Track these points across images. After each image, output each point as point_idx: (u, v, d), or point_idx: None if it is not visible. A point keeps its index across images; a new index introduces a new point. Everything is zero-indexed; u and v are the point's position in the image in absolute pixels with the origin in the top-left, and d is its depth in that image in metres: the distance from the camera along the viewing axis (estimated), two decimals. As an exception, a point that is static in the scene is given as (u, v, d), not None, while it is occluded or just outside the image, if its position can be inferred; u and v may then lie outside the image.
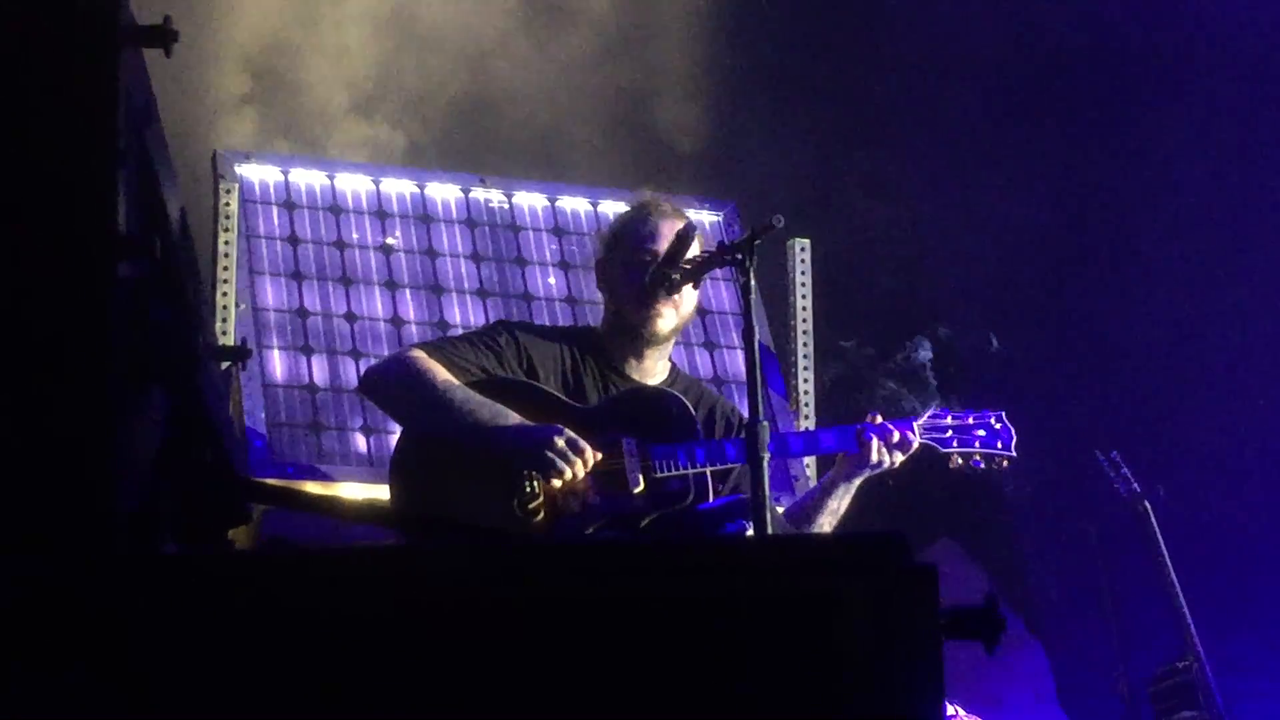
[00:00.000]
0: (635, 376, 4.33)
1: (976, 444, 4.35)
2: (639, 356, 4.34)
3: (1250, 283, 6.69)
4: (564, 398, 4.18)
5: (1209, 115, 6.75)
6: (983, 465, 4.37)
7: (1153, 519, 5.45)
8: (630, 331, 4.32)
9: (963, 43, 6.83)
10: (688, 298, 4.30)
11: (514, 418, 4.02)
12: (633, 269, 4.29)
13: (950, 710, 4.57)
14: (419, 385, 4.07)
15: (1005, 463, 4.37)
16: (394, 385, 4.16)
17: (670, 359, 4.50)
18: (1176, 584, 5.36)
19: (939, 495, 5.56)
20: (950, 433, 4.34)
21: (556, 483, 3.98)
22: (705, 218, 5.55)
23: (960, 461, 4.35)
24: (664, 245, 4.25)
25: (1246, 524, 6.43)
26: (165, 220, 1.92)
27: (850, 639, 1.48)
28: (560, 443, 3.96)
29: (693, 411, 4.16)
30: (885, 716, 1.45)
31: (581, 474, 3.98)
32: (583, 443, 3.98)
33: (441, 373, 4.08)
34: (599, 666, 1.50)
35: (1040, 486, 5.19)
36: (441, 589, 1.53)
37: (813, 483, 5.06)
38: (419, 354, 4.15)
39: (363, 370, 4.64)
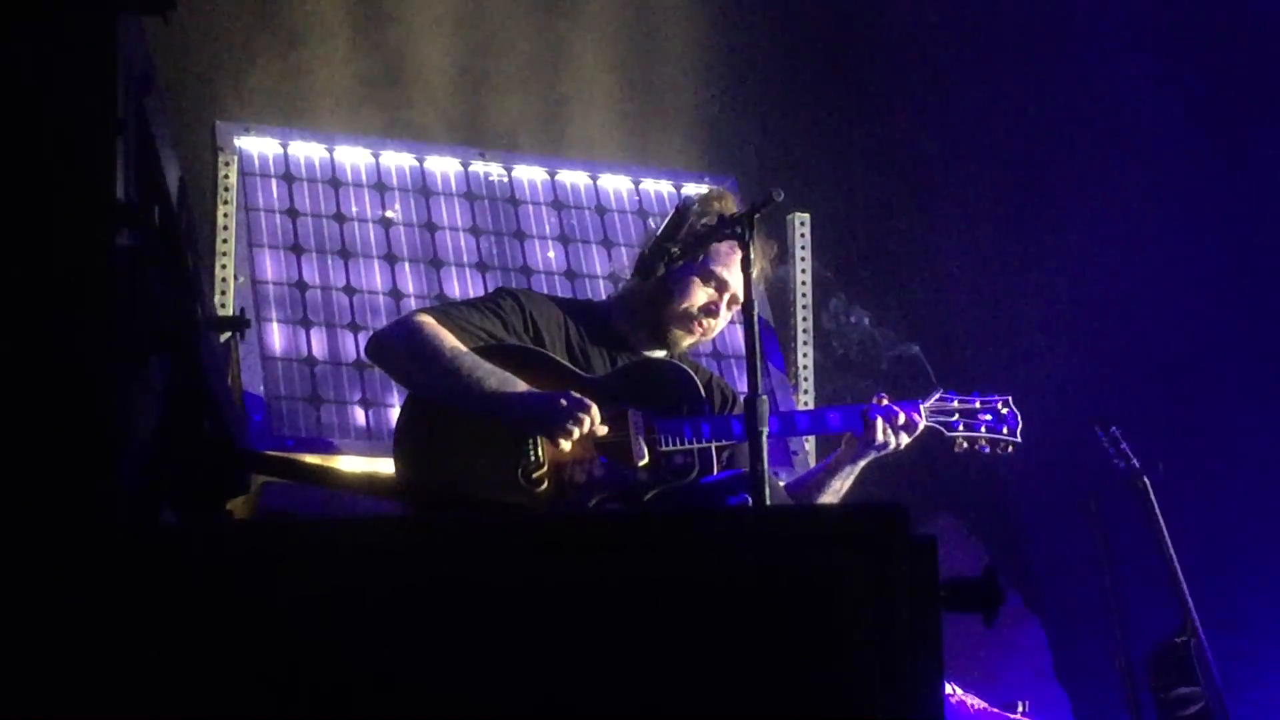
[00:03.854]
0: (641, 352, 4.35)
1: (983, 429, 4.34)
2: (647, 346, 4.36)
3: (1253, 258, 6.68)
4: (571, 366, 4.17)
5: (1214, 87, 6.74)
6: (988, 450, 4.35)
7: (1151, 495, 5.44)
8: (657, 330, 4.32)
9: (959, 12, 6.82)
10: (720, 325, 4.38)
11: (521, 385, 4.01)
12: (692, 287, 4.29)
13: (948, 689, 4.57)
14: (427, 351, 4.05)
15: (1010, 448, 4.36)
16: (401, 350, 4.13)
17: None
18: (1175, 559, 5.36)
19: (939, 471, 5.56)
20: (957, 416, 4.33)
21: (564, 444, 3.96)
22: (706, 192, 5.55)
23: (966, 445, 4.34)
24: (726, 275, 4.26)
25: (1244, 499, 6.43)
26: (164, 189, 1.91)
27: (851, 609, 1.48)
28: (566, 404, 3.95)
29: (700, 388, 4.16)
30: (885, 685, 1.45)
31: (586, 429, 3.96)
32: (589, 403, 3.97)
33: (449, 338, 4.06)
34: (600, 636, 1.50)
35: (1039, 462, 5.18)
36: (441, 561, 1.53)
37: (812, 458, 5.06)
38: (426, 319, 4.13)
39: (363, 342, 4.64)
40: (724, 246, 4.26)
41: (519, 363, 4.10)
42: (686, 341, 4.36)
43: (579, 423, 3.94)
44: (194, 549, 1.53)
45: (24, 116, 1.61)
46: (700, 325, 4.34)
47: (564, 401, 3.95)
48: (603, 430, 4.00)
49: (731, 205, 4.33)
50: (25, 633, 1.44)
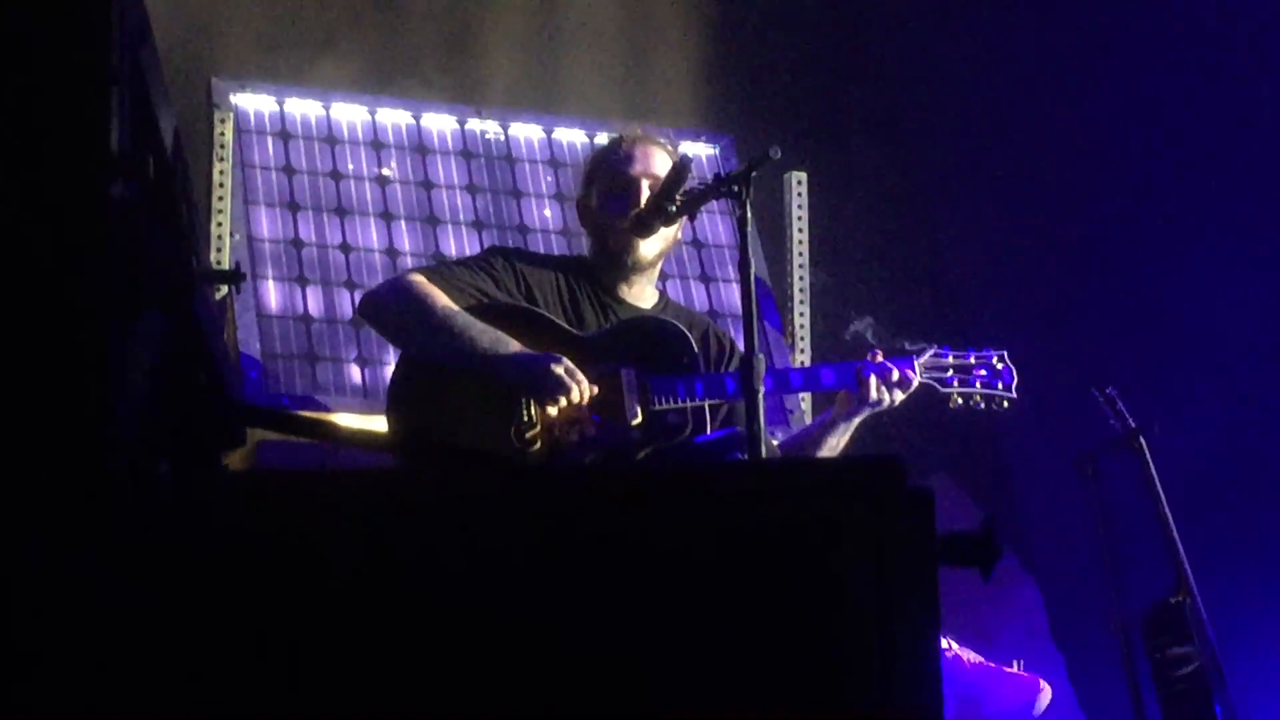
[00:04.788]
0: (629, 302, 4.32)
1: (977, 384, 4.33)
2: (628, 283, 4.34)
3: (1251, 217, 6.67)
4: (564, 324, 4.17)
5: (1216, 52, 6.73)
6: (983, 406, 4.34)
7: (1147, 455, 5.44)
8: (615, 260, 4.31)
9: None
10: (670, 226, 4.28)
11: (514, 345, 4.01)
12: (611, 198, 4.29)
13: (944, 644, 4.58)
14: (419, 310, 4.06)
15: (1006, 404, 4.35)
16: (393, 310, 4.14)
17: (660, 288, 4.50)
18: (1170, 520, 5.36)
19: (934, 430, 5.56)
20: (951, 372, 4.32)
21: (552, 410, 3.97)
22: (702, 150, 5.54)
23: (960, 402, 4.33)
24: (638, 169, 4.27)
25: (1241, 459, 6.43)
26: (158, 141, 1.90)
27: (847, 562, 1.47)
28: (558, 371, 3.95)
29: (694, 345, 4.14)
30: (882, 637, 1.45)
31: (576, 400, 3.97)
32: (579, 373, 3.97)
33: (441, 298, 4.06)
34: (591, 591, 1.50)
35: (1036, 422, 5.19)
36: (437, 512, 1.52)
37: (808, 417, 5.06)
38: (418, 278, 4.13)
39: (359, 300, 4.64)
40: (618, 153, 4.34)
41: (512, 321, 4.10)
42: (649, 247, 4.29)
43: (567, 391, 3.95)
44: (191, 502, 1.53)
45: (16, 67, 1.60)
46: (646, 229, 4.24)
47: (555, 367, 3.95)
48: (593, 390, 4.00)
49: (636, 132, 4.35)
50: (21, 589, 1.44)
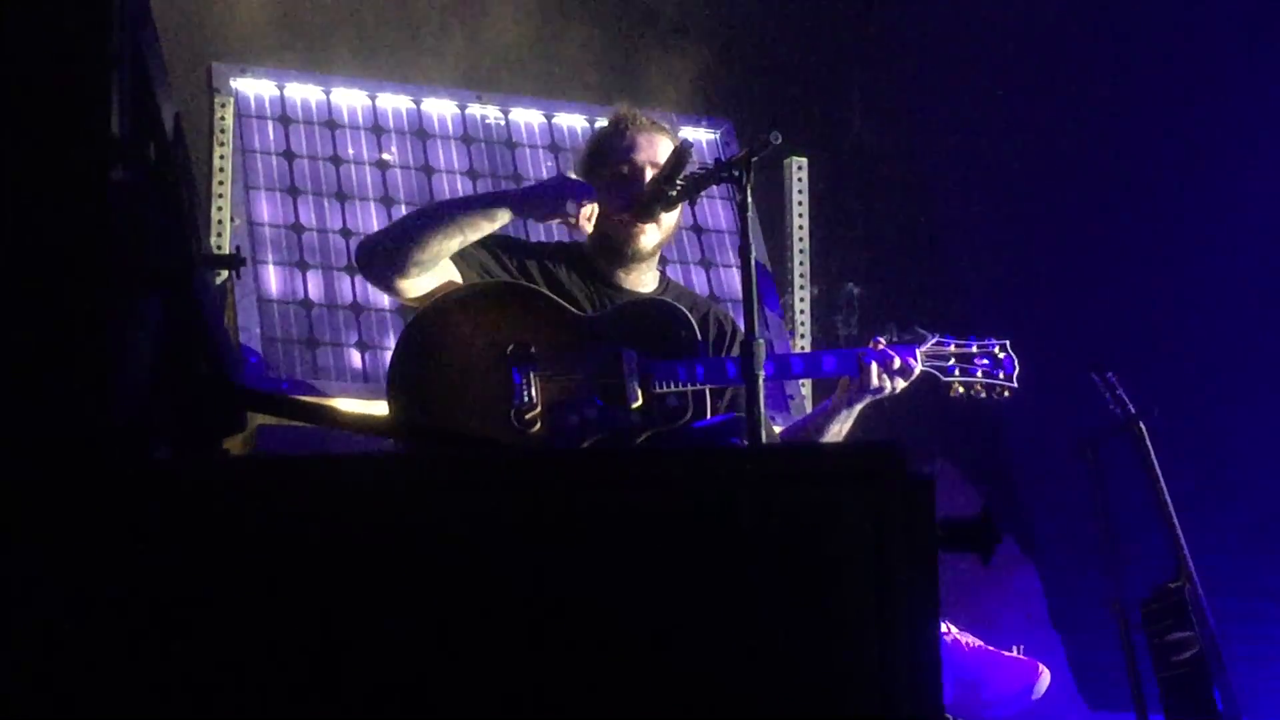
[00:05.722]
0: (628, 289, 4.31)
1: (979, 373, 4.32)
2: (627, 270, 4.33)
3: (1251, 202, 6.66)
4: (566, 305, 4.16)
5: (1215, 38, 6.72)
6: (984, 395, 4.33)
7: (1148, 440, 5.44)
8: (615, 249, 4.29)
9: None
10: (670, 213, 4.28)
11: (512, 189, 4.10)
12: (614, 185, 4.28)
13: (943, 628, 4.58)
14: (407, 219, 4.18)
15: (1007, 393, 4.35)
16: (389, 232, 4.23)
17: (661, 271, 4.49)
18: (1170, 505, 5.36)
19: (934, 416, 5.56)
20: (953, 361, 4.31)
21: (580, 221, 4.06)
22: (702, 135, 5.54)
23: (961, 390, 4.32)
24: (641, 157, 4.26)
25: (1241, 445, 6.43)
26: (159, 125, 1.90)
27: (847, 547, 1.48)
28: (568, 186, 4.07)
29: (696, 329, 4.13)
30: (881, 620, 1.45)
31: (588, 213, 4.03)
32: (580, 186, 4.09)
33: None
34: (588, 576, 1.50)
35: (1036, 408, 5.18)
36: (434, 495, 1.52)
37: (809, 403, 5.06)
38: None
39: (359, 285, 4.66)
40: (620, 141, 4.36)
41: (513, 300, 4.10)
42: (642, 240, 4.29)
43: (577, 205, 4.04)
44: (189, 486, 1.53)
45: (17, 50, 1.60)
46: (646, 217, 4.26)
47: (565, 185, 4.08)
48: (593, 209, 4.09)
49: (638, 118, 4.36)
50: (16, 569, 1.44)
